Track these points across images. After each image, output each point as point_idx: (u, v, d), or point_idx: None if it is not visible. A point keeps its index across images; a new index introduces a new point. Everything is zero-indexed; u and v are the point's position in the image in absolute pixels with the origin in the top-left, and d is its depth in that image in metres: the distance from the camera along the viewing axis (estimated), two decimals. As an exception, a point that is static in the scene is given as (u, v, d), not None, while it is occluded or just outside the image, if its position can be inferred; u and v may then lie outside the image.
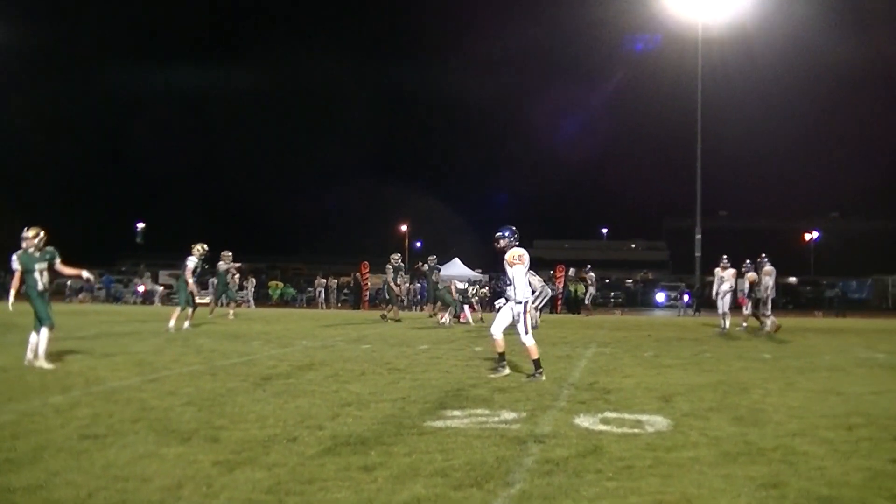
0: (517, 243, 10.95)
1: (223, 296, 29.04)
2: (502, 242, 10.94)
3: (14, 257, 11.41)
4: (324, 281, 46.95)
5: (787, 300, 54.49)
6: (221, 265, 26.93)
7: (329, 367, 11.91)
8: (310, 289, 50.26)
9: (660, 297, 56.37)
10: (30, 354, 11.34)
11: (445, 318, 24.44)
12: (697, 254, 43.88)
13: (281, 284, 50.42)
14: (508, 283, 10.84)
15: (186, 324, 19.57)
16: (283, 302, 48.06)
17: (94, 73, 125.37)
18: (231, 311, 26.84)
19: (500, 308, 11.06)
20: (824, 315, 40.65)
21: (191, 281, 19.92)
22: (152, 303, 45.38)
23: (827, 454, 6.39)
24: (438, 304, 25.98)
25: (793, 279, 65.25)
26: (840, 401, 9.22)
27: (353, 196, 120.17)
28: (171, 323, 19.03)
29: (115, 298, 47.17)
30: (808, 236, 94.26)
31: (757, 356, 14.71)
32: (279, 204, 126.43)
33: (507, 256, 10.83)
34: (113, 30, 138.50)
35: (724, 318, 22.17)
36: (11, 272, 11.64)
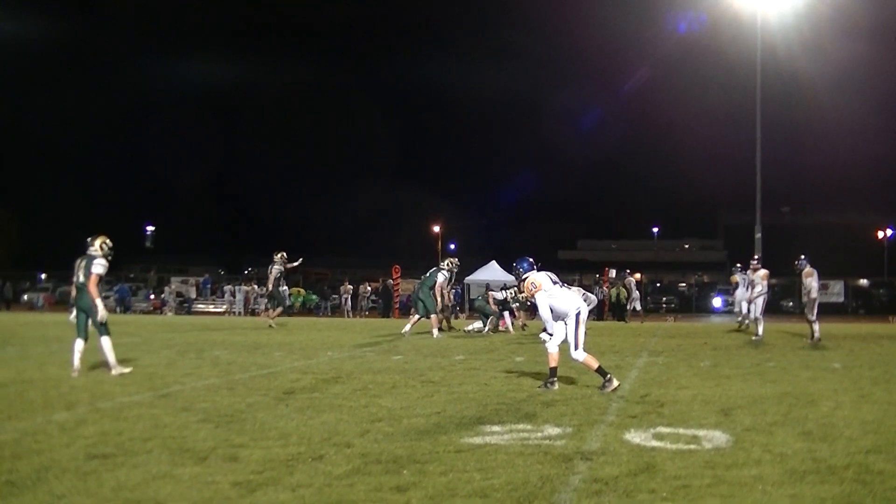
0: (532, 269, 11.36)
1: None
2: (520, 276, 11.47)
3: (105, 263, 12.35)
4: (350, 287, 47.03)
5: (858, 304, 54.00)
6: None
7: (357, 380, 11.94)
8: (335, 295, 50.35)
9: (717, 301, 55.90)
10: (76, 363, 12.32)
11: (475, 325, 24.53)
12: (758, 254, 43.47)
13: (303, 291, 50.42)
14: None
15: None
16: (306, 310, 48.21)
17: (109, 70, 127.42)
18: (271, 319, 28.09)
19: (544, 341, 11.18)
20: (901, 320, 40.19)
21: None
22: (163, 312, 45.80)
23: (906, 472, 6.31)
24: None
25: (865, 281, 64.57)
26: (919, 413, 9.12)
27: (381, 195, 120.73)
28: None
29: (125, 308, 47.51)
30: (881, 234, 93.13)
31: (826, 365, 14.58)
32: (301, 205, 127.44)
33: (524, 291, 11.42)
34: (129, 30, 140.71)
35: (758, 325, 22.14)
36: (82, 278, 12.32)
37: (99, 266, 12.16)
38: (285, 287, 28.60)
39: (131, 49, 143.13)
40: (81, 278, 12.22)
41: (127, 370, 12.33)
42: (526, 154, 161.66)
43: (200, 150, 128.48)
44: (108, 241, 12.53)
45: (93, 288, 12.11)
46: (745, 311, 26.12)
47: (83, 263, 12.27)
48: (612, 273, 40.65)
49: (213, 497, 5.60)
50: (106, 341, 12.26)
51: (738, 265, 29.28)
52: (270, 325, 26.83)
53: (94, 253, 12.33)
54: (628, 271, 40.32)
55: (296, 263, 29.14)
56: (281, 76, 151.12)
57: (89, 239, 12.49)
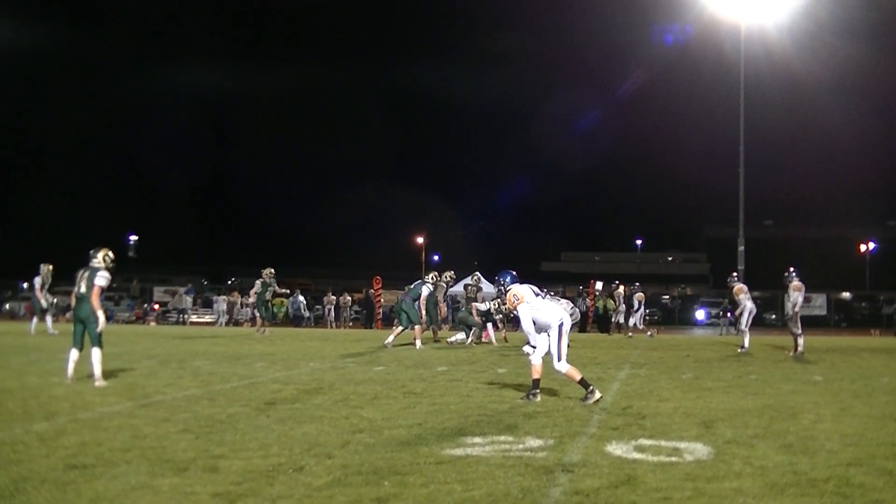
0: (515, 283, 11.44)
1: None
2: (503, 289, 11.55)
3: (108, 275, 12.66)
4: (333, 298, 46.92)
5: (840, 317, 54.19)
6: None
7: (339, 391, 11.91)
8: (318, 306, 50.23)
9: (699, 314, 55.97)
10: (70, 373, 12.51)
11: (458, 337, 24.49)
12: (741, 267, 43.56)
13: (286, 301, 50.29)
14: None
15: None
16: (289, 320, 48.08)
17: (95, 76, 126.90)
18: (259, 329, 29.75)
19: (528, 354, 11.18)
20: (882, 334, 40.35)
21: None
22: (146, 322, 45.61)
23: (886, 486, 6.33)
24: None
25: (847, 294, 64.85)
26: (900, 427, 9.15)
27: (364, 206, 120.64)
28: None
29: (108, 317, 47.28)
30: (863, 247, 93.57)
31: (808, 378, 14.63)
32: (284, 215, 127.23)
33: (507, 303, 11.50)
34: (118, 34, 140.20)
35: (743, 337, 22.25)
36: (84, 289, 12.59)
37: (102, 278, 12.46)
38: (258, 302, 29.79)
39: (121, 54, 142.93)
40: (83, 289, 12.48)
41: (107, 384, 12.30)
42: (510, 166, 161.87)
43: (187, 158, 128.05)
44: (110, 253, 12.89)
45: (95, 299, 12.38)
46: (641, 325, 33.50)
47: (86, 275, 12.55)
48: (599, 286, 40.64)
49: (192, 508, 5.57)
50: (96, 353, 12.37)
51: (637, 283, 35.40)
52: (263, 333, 28.73)
53: (96, 265, 12.64)
54: (616, 282, 40.30)
55: (283, 291, 32.25)
56: (268, 86, 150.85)
57: (92, 251, 12.81)
